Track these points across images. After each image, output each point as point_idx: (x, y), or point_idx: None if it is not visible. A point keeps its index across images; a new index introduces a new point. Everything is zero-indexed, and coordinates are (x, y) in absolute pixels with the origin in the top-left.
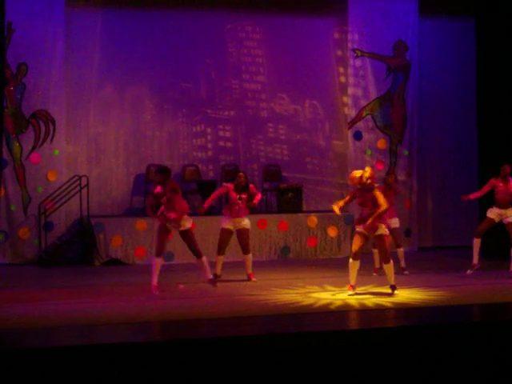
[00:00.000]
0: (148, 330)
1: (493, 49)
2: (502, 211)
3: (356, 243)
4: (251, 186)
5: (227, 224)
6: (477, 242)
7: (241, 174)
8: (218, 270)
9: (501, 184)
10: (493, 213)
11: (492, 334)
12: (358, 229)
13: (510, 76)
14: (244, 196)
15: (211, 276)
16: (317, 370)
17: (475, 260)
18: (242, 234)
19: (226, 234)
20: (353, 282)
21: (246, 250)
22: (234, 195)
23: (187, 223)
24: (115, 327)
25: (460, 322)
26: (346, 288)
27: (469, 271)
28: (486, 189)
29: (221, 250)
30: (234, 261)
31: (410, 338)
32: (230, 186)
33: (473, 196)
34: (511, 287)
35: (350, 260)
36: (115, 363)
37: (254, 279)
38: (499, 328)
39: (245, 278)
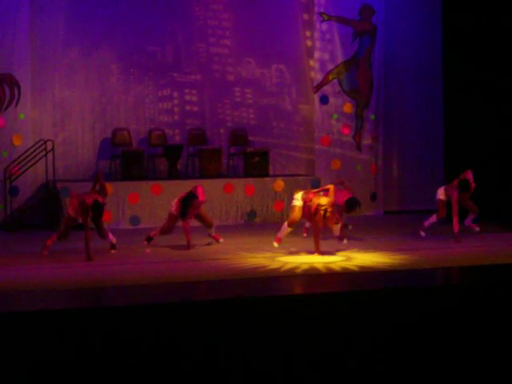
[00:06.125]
0: (113, 295)
1: (459, 12)
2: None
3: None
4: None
5: None
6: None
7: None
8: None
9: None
10: (440, 193)
11: (455, 298)
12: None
13: (476, 39)
14: None
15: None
16: (283, 334)
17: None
18: None
19: None
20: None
21: None
22: None
23: None
24: (78, 292)
25: (424, 286)
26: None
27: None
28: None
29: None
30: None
31: (377, 302)
32: None
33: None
34: (473, 251)
35: None
36: (77, 328)
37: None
38: (463, 291)
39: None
